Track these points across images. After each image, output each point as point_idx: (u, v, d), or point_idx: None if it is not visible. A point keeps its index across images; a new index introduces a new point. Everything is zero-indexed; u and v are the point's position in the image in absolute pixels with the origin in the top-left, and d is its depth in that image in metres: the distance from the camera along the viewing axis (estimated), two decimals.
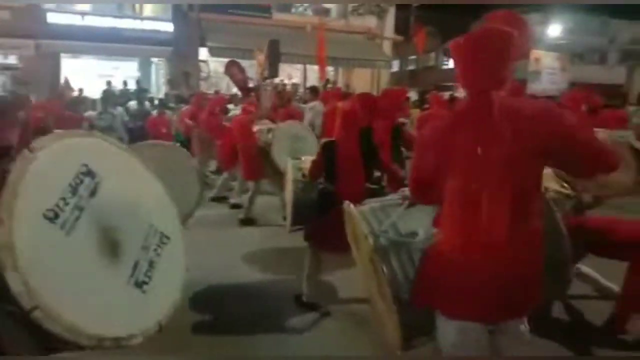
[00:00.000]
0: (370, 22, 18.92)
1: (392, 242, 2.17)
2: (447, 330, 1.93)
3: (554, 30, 26.10)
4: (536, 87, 18.46)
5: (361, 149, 3.69)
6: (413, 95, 18.41)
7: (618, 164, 1.83)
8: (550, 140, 1.74)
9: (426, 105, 11.01)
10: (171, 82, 16.49)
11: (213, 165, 9.08)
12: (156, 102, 11.24)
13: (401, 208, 2.28)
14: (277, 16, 17.45)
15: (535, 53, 25.86)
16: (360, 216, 2.32)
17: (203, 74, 17.97)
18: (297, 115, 8.83)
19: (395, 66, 28.01)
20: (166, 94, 14.50)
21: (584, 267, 3.83)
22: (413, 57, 29.79)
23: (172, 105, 11.88)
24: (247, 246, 5.49)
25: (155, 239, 2.17)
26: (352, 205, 2.47)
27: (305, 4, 18.67)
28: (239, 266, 4.92)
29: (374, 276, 2.27)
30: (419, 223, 2.20)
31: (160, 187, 2.35)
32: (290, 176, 4.31)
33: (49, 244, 1.71)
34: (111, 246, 1.93)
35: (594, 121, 7.28)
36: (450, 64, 33.56)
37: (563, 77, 22.08)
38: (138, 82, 15.34)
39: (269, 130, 6.54)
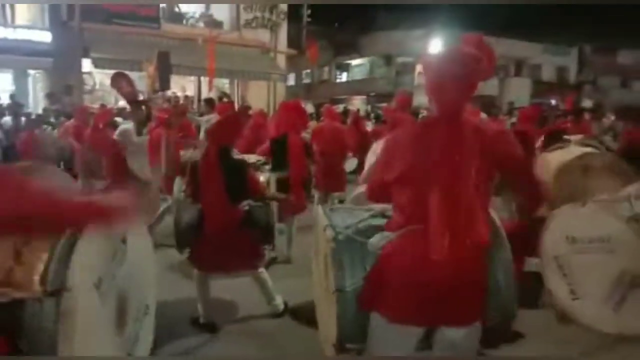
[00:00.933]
0: (264, 35, 19.03)
1: (349, 239, 2.28)
2: (383, 330, 2.00)
3: (435, 45, 28.08)
4: (422, 99, 19.68)
5: (221, 167, 3.54)
6: (309, 107, 18.74)
7: (544, 199, 2.10)
8: (504, 160, 1.92)
9: (322, 118, 11.29)
10: (51, 96, 15.27)
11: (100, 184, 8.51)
12: (34, 117, 10.36)
13: (366, 214, 2.40)
14: (167, 27, 16.93)
15: (420, 67, 27.64)
16: (324, 213, 2.46)
17: (87, 87, 16.89)
18: (191, 129, 8.62)
19: (292, 80, 28.46)
20: (45, 109, 13.40)
21: None
22: (308, 70, 30.48)
23: (52, 120, 11.00)
24: None
25: (142, 310, 2.17)
26: (320, 207, 2.63)
27: (197, 16, 18.31)
28: None
29: (324, 274, 2.35)
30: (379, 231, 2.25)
31: (153, 257, 2.38)
32: (174, 194, 4.16)
33: (92, 312, 1.67)
34: (121, 317, 1.92)
35: None
36: (344, 77, 34.95)
37: None
38: (12, 96, 14.00)
39: (195, 147, 6.30)
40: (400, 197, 2.00)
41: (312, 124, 11.17)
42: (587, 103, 18.51)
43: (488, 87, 29.91)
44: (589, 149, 5.30)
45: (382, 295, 1.99)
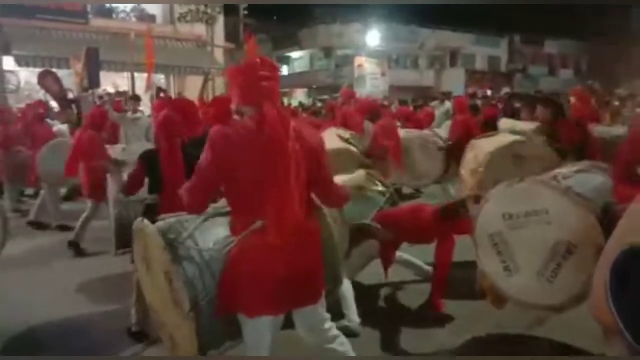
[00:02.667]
0: (199, 29, 18.58)
1: (190, 252, 2.22)
2: (250, 325, 2.18)
3: (373, 38, 28.48)
4: (362, 91, 19.94)
5: (184, 157, 3.43)
6: None
7: (342, 202, 2.58)
8: (311, 160, 2.15)
9: None
10: None
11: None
12: None
13: (198, 220, 2.34)
14: (96, 22, 16.19)
15: (359, 59, 27.97)
16: (156, 230, 2.31)
17: (11, 86, 15.90)
18: (115, 127, 8.34)
19: None
20: None
21: (404, 255, 4.22)
22: None
23: None
24: (74, 278, 4.93)
25: None
26: (145, 220, 2.43)
27: (128, 9, 17.62)
28: (64, 301, 4.38)
29: (168, 289, 2.26)
30: (215, 234, 2.29)
31: None
32: (112, 194, 4.01)
33: None
34: None
35: (409, 125, 8.23)
36: (284, 70, 34.91)
37: (384, 81, 24.18)
38: None
39: (124, 148, 6.07)
40: (237, 199, 2.18)
41: None
42: (504, 90, 19.53)
43: (424, 78, 30.75)
44: (517, 137, 5.52)
45: (237, 295, 2.14)
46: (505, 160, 4.93)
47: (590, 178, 3.23)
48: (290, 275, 2.12)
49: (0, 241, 3.52)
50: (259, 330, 2.19)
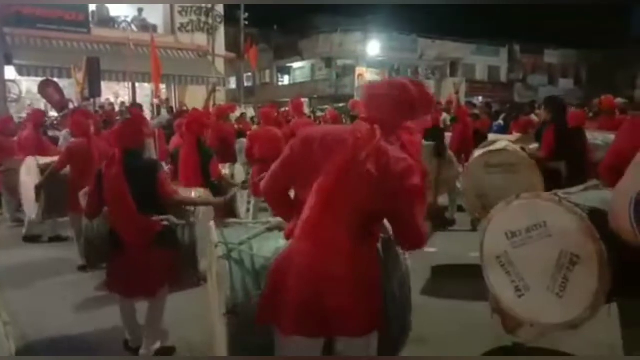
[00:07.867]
0: (200, 39, 18.67)
1: (242, 256, 2.19)
2: (282, 345, 1.99)
3: (373, 48, 28.60)
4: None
5: (125, 172, 3.21)
6: (250, 111, 18.55)
7: (422, 243, 1.99)
8: (390, 191, 1.86)
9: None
10: None
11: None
12: None
13: (261, 229, 2.33)
14: (97, 32, 16.28)
15: (360, 70, 28.14)
16: (218, 230, 2.33)
17: (12, 96, 15.94)
18: None
19: (234, 83, 28.08)
20: None
21: None
22: (249, 74, 30.25)
23: None
24: (79, 293, 4.88)
25: None
26: (212, 222, 2.44)
27: (129, 20, 17.71)
28: (68, 316, 4.29)
29: (218, 293, 2.23)
30: (275, 245, 2.20)
31: None
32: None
33: None
34: None
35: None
36: (285, 80, 34.99)
37: None
38: None
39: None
40: (302, 202, 1.93)
41: (254, 128, 11.09)
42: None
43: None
44: (498, 146, 5.67)
45: (275, 309, 1.96)
46: (478, 171, 5.35)
47: (599, 193, 3.05)
48: (323, 294, 1.88)
49: None
50: (292, 351, 1.97)
